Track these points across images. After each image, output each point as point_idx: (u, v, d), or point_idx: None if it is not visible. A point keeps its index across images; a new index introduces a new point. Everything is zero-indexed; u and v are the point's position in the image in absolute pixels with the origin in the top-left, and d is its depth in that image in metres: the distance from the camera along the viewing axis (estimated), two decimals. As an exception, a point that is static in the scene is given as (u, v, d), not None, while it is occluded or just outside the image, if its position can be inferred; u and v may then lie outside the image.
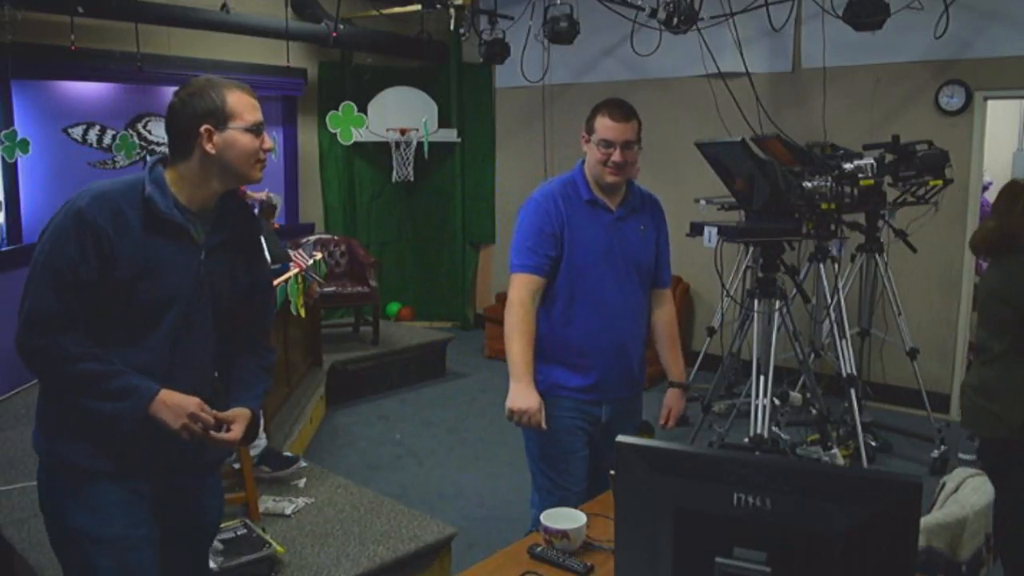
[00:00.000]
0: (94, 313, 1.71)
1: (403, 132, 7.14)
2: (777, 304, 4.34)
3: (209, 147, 1.76)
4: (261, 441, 3.76)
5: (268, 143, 1.85)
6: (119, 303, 1.73)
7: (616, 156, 2.45)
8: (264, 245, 2.07)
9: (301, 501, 3.43)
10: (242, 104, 1.81)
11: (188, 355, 1.84)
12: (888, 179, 4.48)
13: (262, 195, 5.37)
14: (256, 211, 4.92)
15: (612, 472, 1.88)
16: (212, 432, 1.80)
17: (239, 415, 1.88)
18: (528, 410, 2.38)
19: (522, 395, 2.40)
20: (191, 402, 1.76)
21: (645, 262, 2.60)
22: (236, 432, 1.85)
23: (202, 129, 1.76)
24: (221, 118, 1.78)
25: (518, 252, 2.53)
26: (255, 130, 1.82)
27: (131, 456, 1.80)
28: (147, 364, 1.77)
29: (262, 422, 3.68)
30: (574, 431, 2.53)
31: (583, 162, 2.58)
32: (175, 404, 1.74)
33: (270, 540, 2.90)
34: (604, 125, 2.46)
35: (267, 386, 2.06)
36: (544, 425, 2.40)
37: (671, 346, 2.71)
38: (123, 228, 1.70)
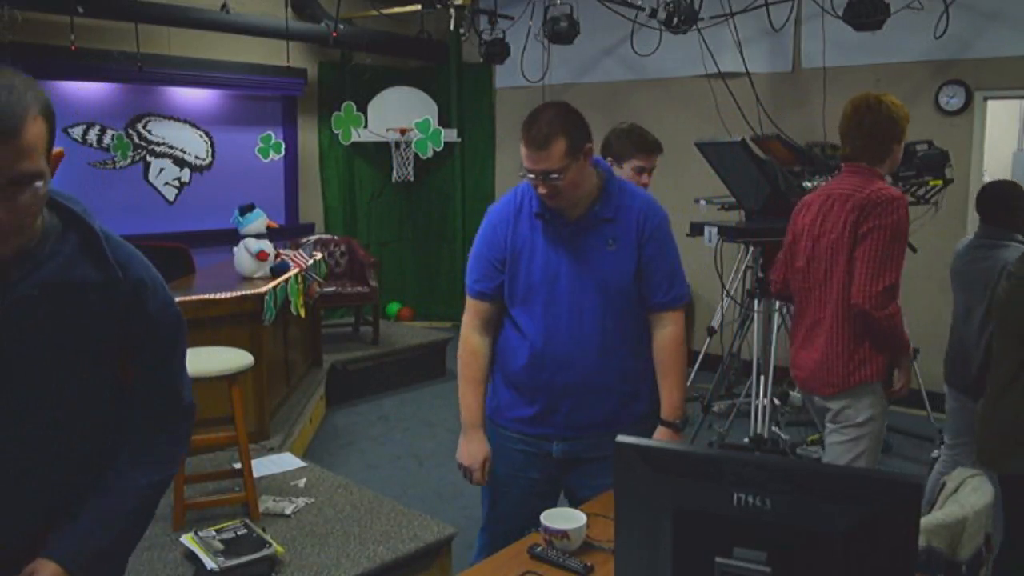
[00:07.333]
0: None
1: (403, 132, 7.15)
2: (777, 304, 4.34)
3: None
4: None
5: None
6: None
7: (539, 188, 2.10)
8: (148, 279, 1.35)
9: (301, 501, 3.43)
10: None
11: None
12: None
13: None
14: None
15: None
16: None
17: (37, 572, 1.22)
18: (469, 467, 2.23)
19: (463, 449, 2.25)
20: None
21: (614, 283, 2.17)
22: None
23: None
24: None
25: (468, 270, 2.29)
26: None
27: None
28: None
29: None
30: (517, 459, 2.28)
31: None
32: None
33: (270, 540, 2.90)
34: (521, 149, 2.09)
35: (139, 504, 1.34)
36: (484, 483, 2.24)
37: (663, 375, 2.27)
38: None
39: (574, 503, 2.26)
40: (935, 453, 4.51)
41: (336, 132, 7.07)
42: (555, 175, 2.04)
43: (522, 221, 2.21)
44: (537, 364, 2.20)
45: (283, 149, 6.86)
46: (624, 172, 2.88)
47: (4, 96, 1.08)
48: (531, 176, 2.09)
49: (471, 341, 2.27)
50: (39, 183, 1.13)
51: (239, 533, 2.94)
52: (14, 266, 1.19)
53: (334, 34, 6.44)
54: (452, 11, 6.06)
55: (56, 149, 1.18)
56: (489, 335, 2.28)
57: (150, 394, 1.40)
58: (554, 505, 2.31)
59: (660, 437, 2.31)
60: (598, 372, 2.19)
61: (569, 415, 2.22)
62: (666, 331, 2.25)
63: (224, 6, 5.94)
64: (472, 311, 2.28)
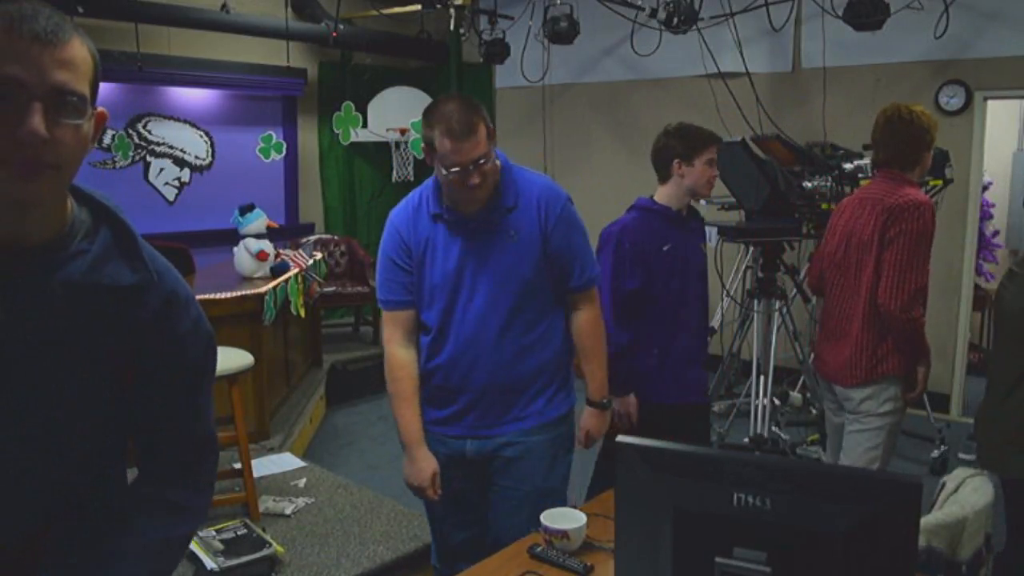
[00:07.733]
0: None
1: (403, 132, 7.15)
2: (777, 304, 4.35)
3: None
4: None
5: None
6: None
7: (474, 178, 2.02)
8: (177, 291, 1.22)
9: (301, 501, 3.43)
10: None
11: None
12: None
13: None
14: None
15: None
16: None
17: None
18: (419, 487, 2.18)
19: (409, 469, 2.20)
20: None
21: (517, 276, 2.12)
22: None
23: None
24: None
25: (378, 283, 2.23)
26: None
27: None
28: None
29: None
30: (439, 459, 2.22)
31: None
32: None
33: (270, 540, 2.90)
34: (444, 146, 2.00)
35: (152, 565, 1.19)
36: (436, 497, 2.19)
37: (585, 358, 2.27)
38: None
39: (500, 514, 2.24)
40: (935, 453, 4.52)
41: (336, 132, 7.07)
42: (483, 160, 2.02)
43: (422, 222, 2.16)
44: (445, 367, 2.18)
45: (284, 149, 6.86)
46: (696, 169, 2.82)
47: (53, 11, 1.05)
48: (456, 171, 2.01)
49: (396, 356, 2.21)
50: (82, 116, 1.05)
51: (239, 533, 2.94)
52: (36, 259, 1.07)
53: (334, 34, 6.44)
54: (452, 11, 6.06)
55: (99, 109, 1.10)
56: (414, 345, 2.22)
57: (172, 434, 1.24)
58: (489, 504, 2.31)
59: (586, 417, 2.35)
60: (506, 369, 2.15)
61: (482, 415, 2.19)
62: (582, 314, 2.24)
63: (224, 6, 5.94)
64: (391, 324, 2.21)
